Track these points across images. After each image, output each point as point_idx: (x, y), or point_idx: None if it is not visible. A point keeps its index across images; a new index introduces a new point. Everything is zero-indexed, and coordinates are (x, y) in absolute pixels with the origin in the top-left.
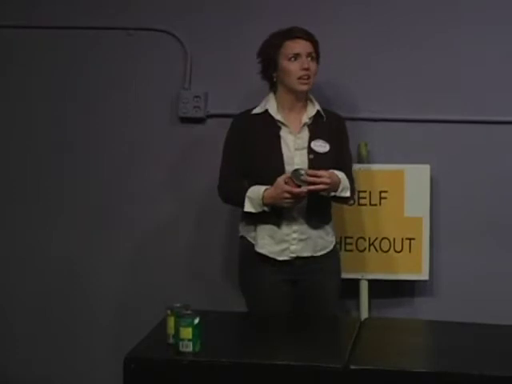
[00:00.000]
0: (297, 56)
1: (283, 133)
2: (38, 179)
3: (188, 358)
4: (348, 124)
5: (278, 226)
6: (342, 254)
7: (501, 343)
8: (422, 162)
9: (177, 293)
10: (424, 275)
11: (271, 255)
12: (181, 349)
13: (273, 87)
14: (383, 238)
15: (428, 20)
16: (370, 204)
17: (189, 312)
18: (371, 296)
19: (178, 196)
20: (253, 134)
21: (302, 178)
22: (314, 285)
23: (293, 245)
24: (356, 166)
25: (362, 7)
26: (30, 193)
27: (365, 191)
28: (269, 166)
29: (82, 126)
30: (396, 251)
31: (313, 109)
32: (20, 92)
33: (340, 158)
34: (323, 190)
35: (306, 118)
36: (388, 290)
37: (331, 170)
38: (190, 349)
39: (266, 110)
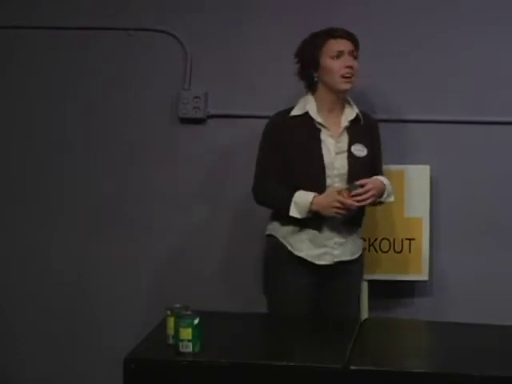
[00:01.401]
0: (340, 54)
1: (323, 136)
2: (38, 179)
3: (188, 358)
4: None
5: (319, 230)
6: None
7: (501, 343)
8: (422, 162)
9: (177, 293)
10: (424, 276)
11: (309, 259)
12: (181, 349)
13: (311, 88)
14: (383, 239)
15: (428, 20)
16: (370, 204)
17: (188, 312)
18: (371, 296)
19: (178, 196)
20: (292, 136)
21: (357, 191)
22: (343, 286)
23: (335, 249)
24: None
25: (362, 7)
26: (30, 193)
27: None
28: (310, 170)
29: (82, 126)
30: (396, 252)
31: (352, 112)
32: (20, 92)
33: (375, 162)
34: (372, 202)
35: (345, 121)
36: (388, 291)
37: (375, 177)
38: (190, 349)
39: (306, 112)
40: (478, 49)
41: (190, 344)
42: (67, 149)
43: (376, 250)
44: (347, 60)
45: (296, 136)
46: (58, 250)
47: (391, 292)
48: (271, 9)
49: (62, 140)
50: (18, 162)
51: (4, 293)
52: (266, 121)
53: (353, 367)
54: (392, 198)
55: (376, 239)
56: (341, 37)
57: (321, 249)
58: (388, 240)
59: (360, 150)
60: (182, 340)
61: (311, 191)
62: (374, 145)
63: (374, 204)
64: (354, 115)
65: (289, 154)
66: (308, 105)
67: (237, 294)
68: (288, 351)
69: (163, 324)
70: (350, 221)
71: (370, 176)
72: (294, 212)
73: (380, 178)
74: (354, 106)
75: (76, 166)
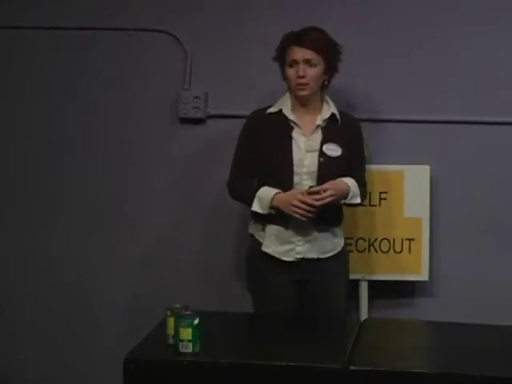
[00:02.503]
0: (293, 63)
1: (295, 134)
2: (38, 179)
3: (188, 358)
4: None
5: (285, 227)
6: None
7: (501, 343)
8: (421, 162)
9: (177, 293)
10: (424, 276)
11: (276, 255)
12: (181, 349)
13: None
14: (383, 239)
15: (428, 20)
16: (370, 205)
17: (188, 312)
18: (371, 297)
19: (177, 196)
20: (265, 133)
21: (314, 189)
22: (321, 286)
23: (298, 246)
24: None
25: (362, 7)
26: (30, 193)
27: None
28: (278, 166)
29: (82, 126)
30: (396, 252)
31: (328, 111)
32: (20, 92)
33: (352, 162)
34: (331, 201)
35: (319, 119)
36: (388, 291)
37: (339, 179)
38: (190, 349)
39: (281, 110)
40: (478, 49)
41: (190, 344)
42: (67, 149)
43: (376, 250)
44: (300, 69)
45: (269, 133)
46: (58, 250)
47: (391, 292)
48: (271, 9)
49: (62, 140)
50: (18, 161)
51: (4, 293)
52: None
53: (353, 367)
54: (358, 200)
55: (376, 239)
56: (299, 44)
57: (286, 245)
58: (388, 240)
59: (333, 150)
60: (182, 340)
61: (279, 188)
62: (351, 145)
63: (339, 205)
64: (329, 114)
65: (261, 150)
66: (284, 103)
67: (237, 294)
68: (288, 351)
69: (163, 324)
70: (320, 219)
71: (341, 176)
72: (256, 207)
73: (345, 179)
74: (332, 105)
75: (76, 165)
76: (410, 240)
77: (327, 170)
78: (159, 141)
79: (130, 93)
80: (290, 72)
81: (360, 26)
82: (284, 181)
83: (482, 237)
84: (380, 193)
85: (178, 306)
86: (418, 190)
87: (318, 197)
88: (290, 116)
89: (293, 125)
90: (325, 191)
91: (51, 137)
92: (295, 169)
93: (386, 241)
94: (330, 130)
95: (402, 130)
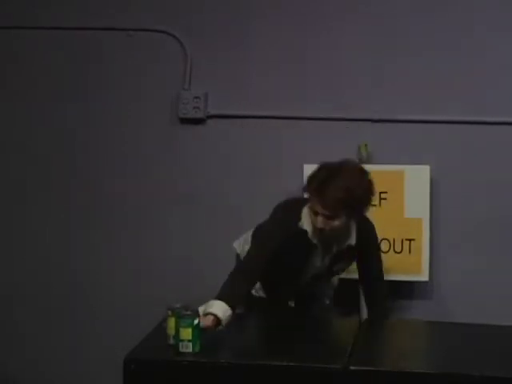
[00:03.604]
0: (316, 213)
1: (315, 254)
2: (38, 179)
3: (188, 358)
4: (348, 124)
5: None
6: None
7: (501, 344)
8: (421, 162)
9: (177, 293)
10: (424, 276)
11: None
12: (181, 349)
13: None
14: (383, 239)
15: (428, 20)
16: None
17: (188, 312)
18: None
19: (178, 196)
20: (291, 242)
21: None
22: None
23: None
24: None
25: (363, 7)
26: (30, 193)
27: None
28: (289, 273)
29: (82, 126)
30: (396, 252)
31: (346, 241)
32: (20, 92)
33: (367, 264)
34: None
35: (335, 248)
36: (388, 291)
37: None
38: (190, 349)
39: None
40: (478, 49)
41: (190, 344)
42: (67, 149)
43: None
44: (319, 222)
45: (293, 246)
46: (57, 250)
47: (391, 293)
48: (271, 9)
49: (62, 140)
50: (18, 161)
51: (4, 293)
52: (265, 121)
53: (353, 367)
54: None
55: None
56: (320, 202)
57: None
58: (388, 240)
59: (340, 264)
60: (182, 340)
61: (280, 279)
62: (363, 252)
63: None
64: (346, 245)
65: (278, 252)
66: (307, 225)
67: None
68: (288, 351)
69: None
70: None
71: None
72: (202, 307)
73: None
74: (353, 234)
75: (76, 165)
76: (410, 240)
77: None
78: (159, 141)
79: (130, 93)
80: (313, 216)
81: (360, 25)
82: (284, 278)
83: (482, 237)
84: (380, 193)
85: (178, 305)
86: (418, 190)
87: None
88: (314, 239)
89: (314, 247)
90: None
91: (51, 137)
92: (302, 276)
93: (386, 241)
94: (343, 253)
95: (402, 130)
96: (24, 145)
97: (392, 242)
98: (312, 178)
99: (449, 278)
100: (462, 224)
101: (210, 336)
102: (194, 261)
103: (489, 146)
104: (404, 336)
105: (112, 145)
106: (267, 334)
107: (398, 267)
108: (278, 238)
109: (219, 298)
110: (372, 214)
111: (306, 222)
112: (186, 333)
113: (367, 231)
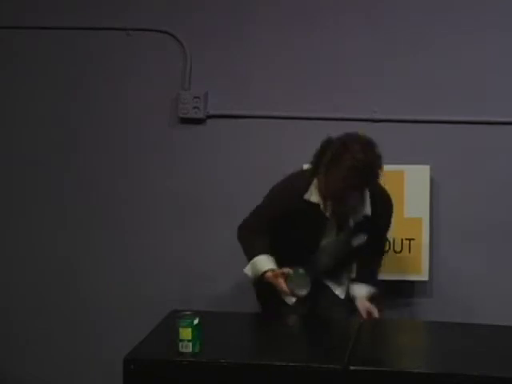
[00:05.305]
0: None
1: (329, 226)
2: (38, 179)
3: (188, 358)
4: (348, 124)
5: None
6: None
7: (501, 344)
8: (421, 162)
9: (177, 293)
10: (424, 276)
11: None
12: (181, 349)
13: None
14: None
15: (428, 20)
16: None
17: (188, 312)
18: None
19: (177, 196)
20: (300, 217)
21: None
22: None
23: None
24: None
25: (363, 7)
26: (30, 193)
27: None
28: (301, 247)
29: (82, 126)
30: (396, 252)
31: (361, 212)
32: (20, 92)
33: (377, 231)
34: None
35: (352, 221)
36: (388, 291)
37: (362, 300)
38: (190, 349)
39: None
40: (477, 49)
41: (190, 344)
42: (67, 149)
43: None
44: (353, 198)
45: (303, 218)
46: (57, 250)
47: (391, 292)
48: (271, 9)
49: (62, 140)
50: (18, 161)
51: (4, 293)
52: (265, 121)
53: (353, 367)
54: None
55: None
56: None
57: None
58: (388, 240)
59: (359, 239)
60: (182, 340)
61: (291, 258)
62: (377, 227)
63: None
64: (362, 216)
65: (290, 226)
66: (315, 198)
67: (237, 293)
68: (288, 351)
69: (163, 324)
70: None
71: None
72: (248, 270)
73: (363, 292)
74: (368, 204)
75: (76, 165)
76: (409, 240)
77: (347, 253)
78: (159, 141)
79: (129, 93)
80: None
81: (360, 25)
82: (301, 257)
83: (482, 237)
84: None
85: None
86: (418, 190)
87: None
88: (326, 212)
89: (327, 221)
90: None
91: (51, 137)
92: (317, 252)
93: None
94: (361, 223)
95: (402, 130)
96: (24, 145)
97: (392, 242)
98: (321, 154)
99: (449, 278)
100: (461, 224)
101: (210, 336)
102: (194, 261)
103: (489, 146)
104: (404, 336)
105: (112, 145)
106: (267, 335)
107: (397, 267)
108: (277, 200)
109: (255, 255)
110: None
111: (314, 195)
112: (186, 333)
113: (383, 201)
